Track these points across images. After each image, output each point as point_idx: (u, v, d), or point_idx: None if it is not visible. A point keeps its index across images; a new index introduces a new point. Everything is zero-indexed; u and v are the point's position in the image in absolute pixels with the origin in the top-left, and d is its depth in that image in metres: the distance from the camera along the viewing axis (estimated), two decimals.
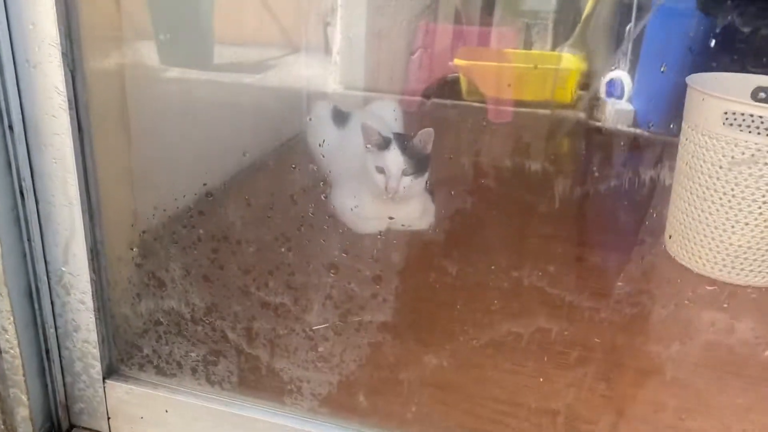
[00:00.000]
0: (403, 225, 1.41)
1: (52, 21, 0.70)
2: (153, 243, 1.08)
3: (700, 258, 1.30)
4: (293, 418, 0.88)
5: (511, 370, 1.04)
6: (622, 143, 2.34)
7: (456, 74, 2.54)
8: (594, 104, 2.60)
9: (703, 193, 1.27)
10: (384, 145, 1.33)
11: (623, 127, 2.44)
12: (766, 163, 1.18)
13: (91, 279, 0.84)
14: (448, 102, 2.51)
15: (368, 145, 1.33)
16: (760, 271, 1.26)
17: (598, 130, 2.41)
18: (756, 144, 1.19)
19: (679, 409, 0.97)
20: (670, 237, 1.39)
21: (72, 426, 0.95)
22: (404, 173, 1.31)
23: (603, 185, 1.88)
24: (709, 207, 1.26)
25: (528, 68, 2.51)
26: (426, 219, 1.44)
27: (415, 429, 0.93)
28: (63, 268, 0.83)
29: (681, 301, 1.23)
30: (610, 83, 2.60)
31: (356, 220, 1.39)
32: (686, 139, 1.32)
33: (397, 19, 2.56)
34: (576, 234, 1.55)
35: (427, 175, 1.36)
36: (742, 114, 1.22)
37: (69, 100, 0.74)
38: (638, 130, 2.43)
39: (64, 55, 0.71)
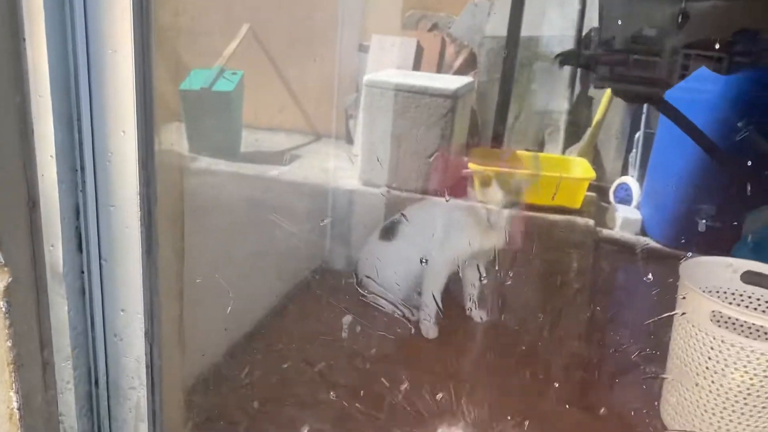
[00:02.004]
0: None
1: None
2: None
3: None
4: None
5: None
6: (629, 260, 2.44)
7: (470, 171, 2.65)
8: (603, 210, 2.70)
9: (695, 377, 1.37)
10: (487, 182, 1.50)
11: (631, 235, 2.54)
12: (749, 362, 1.28)
13: None
14: (462, 203, 2.63)
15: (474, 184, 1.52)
16: None
17: (607, 240, 2.51)
18: (740, 344, 1.29)
19: None
20: (662, 405, 1.49)
21: None
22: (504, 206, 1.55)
23: (603, 322, 1.98)
24: (700, 392, 1.36)
25: (540, 175, 2.62)
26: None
27: None
28: None
29: None
30: (619, 189, 2.70)
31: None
32: (678, 324, 1.43)
33: (416, 123, 2.68)
34: (569, 382, 1.61)
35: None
36: (729, 318, 1.32)
37: None
38: (645, 239, 2.54)
39: None
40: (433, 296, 1.64)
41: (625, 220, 2.54)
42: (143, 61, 0.76)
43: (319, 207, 2.39)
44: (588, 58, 1.79)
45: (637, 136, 2.70)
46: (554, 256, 2.32)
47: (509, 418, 1.35)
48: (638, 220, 2.53)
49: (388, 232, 1.74)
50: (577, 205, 2.52)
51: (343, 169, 2.80)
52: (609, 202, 2.72)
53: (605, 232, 2.58)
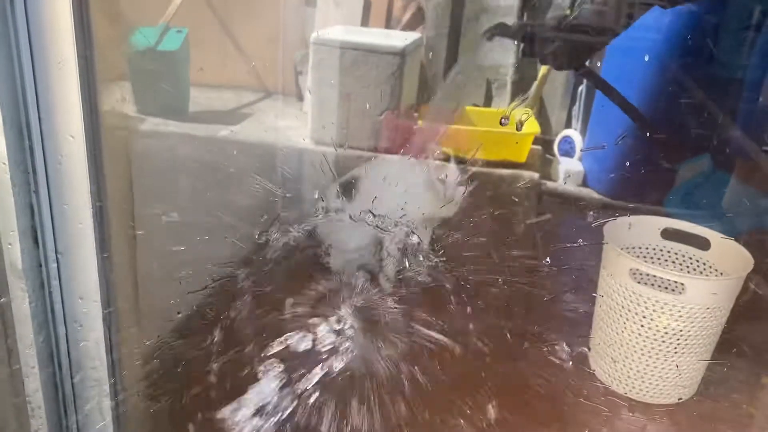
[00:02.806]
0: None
1: None
2: None
3: (613, 379, 1.54)
4: None
5: None
6: (570, 211, 2.56)
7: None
8: (547, 163, 2.81)
9: (617, 327, 1.50)
10: (445, 159, 1.60)
11: (573, 187, 2.66)
12: (663, 312, 1.42)
13: None
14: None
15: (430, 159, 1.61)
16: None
17: (551, 193, 2.63)
18: (656, 297, 1.42)
19: None
20: (590, 350, 1.63)
21: None
22: (459, 183, 1.62)
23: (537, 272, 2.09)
24: (622, 338, 1.50)
25: (486, 131, 2.70)
26: None
27: None
28: None
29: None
30: (563, 141, 2.81)
31: None
32: (603, 280, 1.55)
33: (365, 81, 2.72)
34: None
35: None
36: (647, 274, 1.45)
37: None
38: (586, 190, 2.66)
39: None
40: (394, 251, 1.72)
41: (568, 172, 2.64)
42: (87, 69, 0.81)
43: (270, 167, 2.42)
44: (517, 29, 1.81)
45: (579, 89, 2.78)
46: (498, 210, 2.41)
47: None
48: (580, 172, 2.64)
49: (345, 192, 1.77)
50: (523, 159, 2.62)
51: (294, 128, 2.83)
52: (554, 155, 2.82)
53: (549, 184, 2.68)
